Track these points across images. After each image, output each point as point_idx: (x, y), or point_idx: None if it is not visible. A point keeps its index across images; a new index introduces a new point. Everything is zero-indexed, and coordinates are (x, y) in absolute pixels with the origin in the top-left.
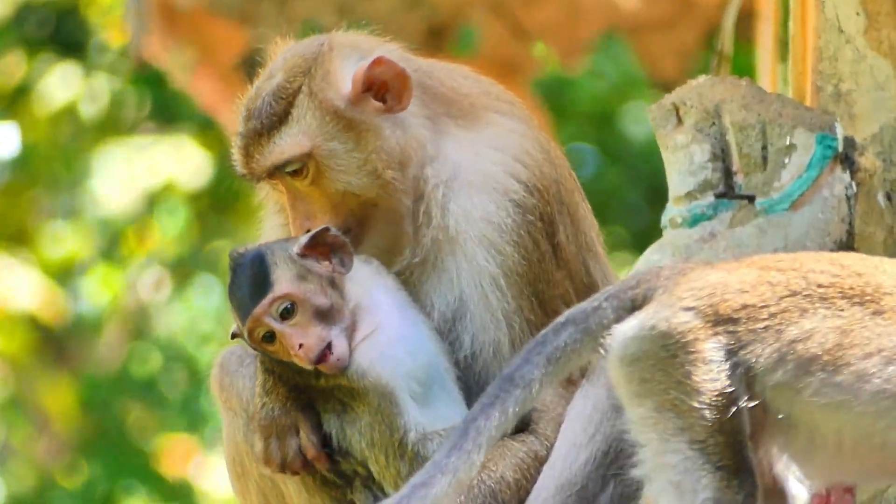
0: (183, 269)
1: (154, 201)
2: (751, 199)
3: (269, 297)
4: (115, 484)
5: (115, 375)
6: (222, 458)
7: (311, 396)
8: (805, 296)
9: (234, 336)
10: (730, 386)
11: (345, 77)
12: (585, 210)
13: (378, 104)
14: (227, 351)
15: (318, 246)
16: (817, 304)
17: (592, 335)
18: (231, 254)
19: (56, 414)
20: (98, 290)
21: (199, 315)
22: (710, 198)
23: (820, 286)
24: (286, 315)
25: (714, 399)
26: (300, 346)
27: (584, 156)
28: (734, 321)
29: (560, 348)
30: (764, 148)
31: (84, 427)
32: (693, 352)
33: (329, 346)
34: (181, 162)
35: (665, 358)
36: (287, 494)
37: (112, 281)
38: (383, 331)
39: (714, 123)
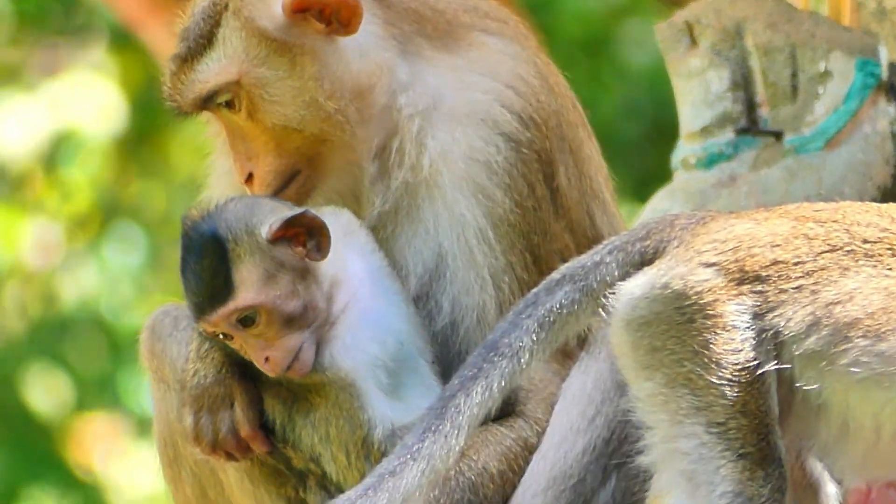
0: (98, 218)
1: (61, 139)
2: (778, 135)
3: (230, 306)
4: (18, 475)
5: (16, 346)
6: (145, 444)
7: (254, 372)
8: (848, 251)
9: None
10: (755, 357)
11: None
12: (592, 149)
13: (320, 25)
14: (160, 311)
15: (293, 227)
16: (861, 262)
17: (593, 295)
18: (184, 219)
19: None
20: None
21: (118, 274)
22: (729, 134)
23: (866, 241)
24: (248, 323)
25: (736, 373)
26: (266, 359)
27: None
28: (763, 280)
29: (554, 310)
30: (794, 75)
31: None
32: (713, 316)
33: (297, 353)
34: (94, 96)
35: (679, 323)
36: (227, 485)
37: (11, 234)
38: (350, 311)
39: (734, 46)
